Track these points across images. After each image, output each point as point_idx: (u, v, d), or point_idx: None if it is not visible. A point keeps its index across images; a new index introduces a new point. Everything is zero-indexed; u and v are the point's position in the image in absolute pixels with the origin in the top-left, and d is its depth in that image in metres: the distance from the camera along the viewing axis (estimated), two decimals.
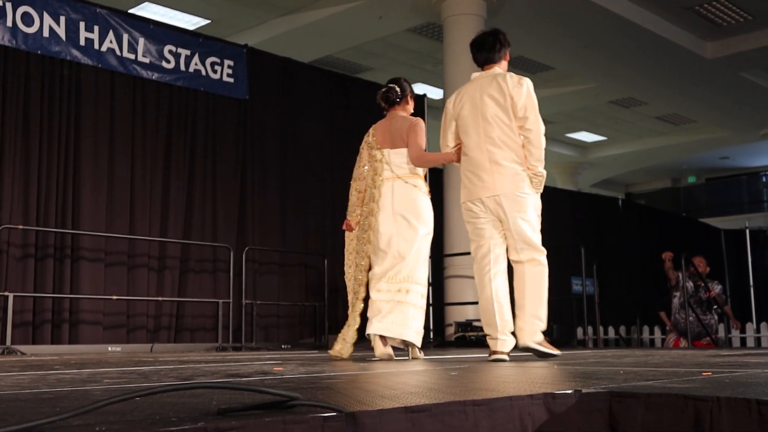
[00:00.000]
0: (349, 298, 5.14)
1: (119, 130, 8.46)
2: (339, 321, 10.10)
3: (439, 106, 13.18)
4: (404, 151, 5.02)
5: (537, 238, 4.57)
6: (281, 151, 9.97)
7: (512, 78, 4.70)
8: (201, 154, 9.14)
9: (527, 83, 4.68)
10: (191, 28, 10.86)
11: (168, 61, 8.89)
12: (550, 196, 9.33)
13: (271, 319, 9.57)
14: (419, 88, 14.01)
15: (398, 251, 4.85)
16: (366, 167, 5.20)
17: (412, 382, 2.54)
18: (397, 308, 4.74)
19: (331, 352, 5.10)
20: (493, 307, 4.52)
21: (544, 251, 4.57)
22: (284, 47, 11.24)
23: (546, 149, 4.59)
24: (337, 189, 10.54)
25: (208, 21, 11.77)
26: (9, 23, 7.67)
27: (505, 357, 4.46)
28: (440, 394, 1.91)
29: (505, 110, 4.60)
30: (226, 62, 9.43)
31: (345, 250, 5.32)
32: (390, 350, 4.74)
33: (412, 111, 5.30)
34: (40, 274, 7.69)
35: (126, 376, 3.15)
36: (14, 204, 7.57)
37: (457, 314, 10.20)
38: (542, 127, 4.60)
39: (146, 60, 8.69)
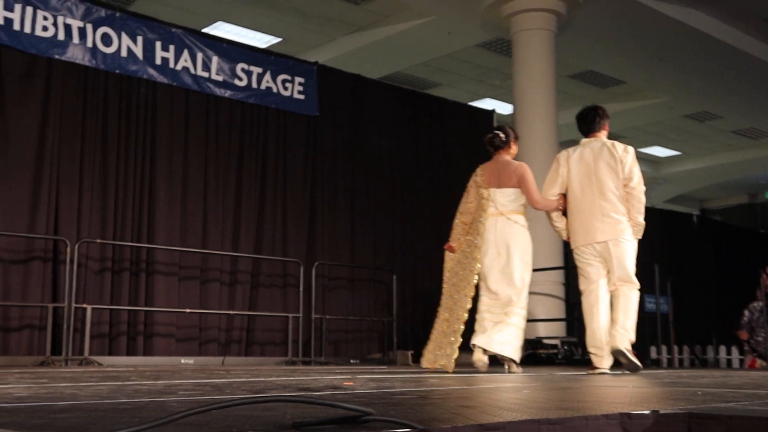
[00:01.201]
0: (444, 315, 5.98)
1: (193, 146, 8.65)
2: (407, 336, 10.09)
3: (507, 121, 13.12)
4: (508, 191, 5.83)
5: (634, 276, 5.55)
6: (350, 167, 10.04)
7: (620, 146, 5.70)
8: (272, 170, 9.27)
9: (632, 150, 5.71)
10: (263, 46, 11.05)
11: (240, 79, 9.06)
12: None
13: (339, 334, 9.61)
14: (487, 104, 13.96)
15: (503, 280, 5.69)
16: (472, 204, 6.02)
17: (484, 399, 2.52)
18: (501, 328, 5.60)
19: (429, 365, 5.88)
20: (601, 333, 5.49)
21: (638, 284, 5.56)
22: (354, 64, 11.34)
23: None
24: (406, 204, 10.56)
25: (280, 39, 11.95)
26: (89, 44, 7.93)
27: (607, 371, 5.40)
28: (514, 413, 1.89)
29: (615, 172, 5.58)
30: (297, 79, 9.56)
31: (444, 267, 6.25)
32: (486, 359, 5.64)
33: (516, 153, 6.11)
34: (116, 287, 7.89)
35: (200, 389, 3.20)
36: (92, 219, 7.79)
37: (527, 332, 10.05)
38: (643, 186, 5.60)
39: (219, 78, 8.88)
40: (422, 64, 13.05)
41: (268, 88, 9.29)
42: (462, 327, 5.73)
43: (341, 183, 9.91)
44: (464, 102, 12.62)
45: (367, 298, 9.96)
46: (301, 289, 8.86)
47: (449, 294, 6.00)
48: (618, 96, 15.05)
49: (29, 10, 7.56)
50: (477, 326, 5.73)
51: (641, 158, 19.80)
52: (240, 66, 9.06)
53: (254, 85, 9.17)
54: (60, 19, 7.76)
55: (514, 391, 3.01)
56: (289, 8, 11.07)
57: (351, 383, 3.64)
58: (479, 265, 5.76)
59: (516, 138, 6.11)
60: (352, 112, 10.15)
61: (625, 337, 5.40)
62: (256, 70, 9.21)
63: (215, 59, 8.85)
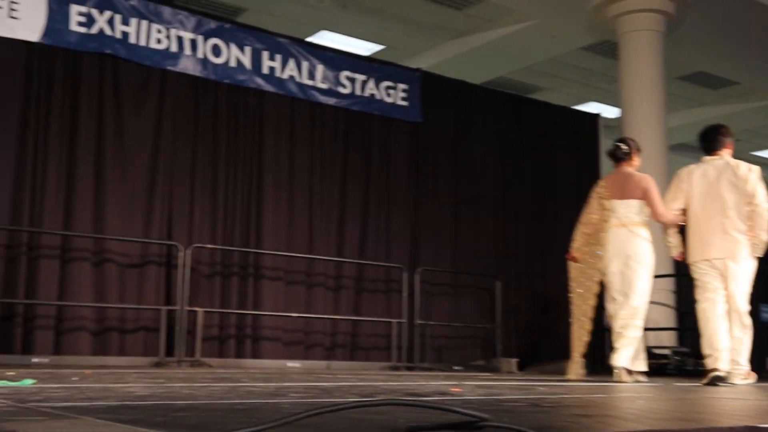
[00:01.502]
0: (575, 325, 6.32)
1: (299, 153, 8.80)
2: (511, 344, 9.97)
3: (613, 125, 12.82)
4: (632, 203, 5.97)
5: (746, 307, 5.62)
6: (454, 173, 10.01)
7: (744, 165, 5.75)
8: (375, 177, 9.34)
9: (756, 169, 5.75)
10: (366, 53, 11.17)
11: (344, 87, 9.17)
12: None
13: (442, 340, 9.58)
14: (592, 107, 13.68)
15: (625, 291, 5.91)
16: (594, 215, 6.20)
17: (598, 408, 2.46)
18: (631, 342, 5.86)
19: (572, 376, 6.22)
20: (718, 335, 5.49)
21: (749, 322, 5.62)
22: (457, 70, 11.31)
23: None
24: (509, 210, 10.45)
25: (383, 46, 12.05)
26: (200, 55, 8.19)
27: (721, 373, 5.32)
28: (632, 422, 1.83)
29: (737, 190, 5.61)
30: (400, 86, 9.61)
31: (568, 276, 6.46)
32: (637, 377, 5.87)
33: (639, 165, 6.22)
34: (226, 290, 8.10)
35: (310, 391, 3.25)
36: (204, 224, 8.03)
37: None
38: (767, 204, 5.62)
39: (324, 86, 9.01)
40: (525, 68, 12.91)
41: (372, 95, 9.37)
42: (588, 338, 6.21)
43: (444, 189, 9.89)
44: (569, 106, 12.40)
45: (471, 305, 9.89)
46: (405, 294, 8.89)
47: (577, 304, 6.30)
48: (730, 97, 14.50)
49: (144, 23, 7.87)
50: (617, 343, 5.98)
51: (756, 161, 19.03)
52: (344, 74, 9.18)
53: (358, 92, 9.27)
54: (173, 32, 8.04)
55: (628, 401, 2.92)
56: (392, 16, 11.15)
57: (458, 389, 3.62)
58: (603, 276, 6.06)
59: (638, 150, 6.23)
60: (455, 117, 10.13)
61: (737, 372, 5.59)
62: (360, 77, 9.31)
63: (320, 67, 9.00)
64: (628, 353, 5.84)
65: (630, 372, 5.85)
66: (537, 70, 13.06)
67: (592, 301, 6.13)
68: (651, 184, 5.98)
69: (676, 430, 1.63)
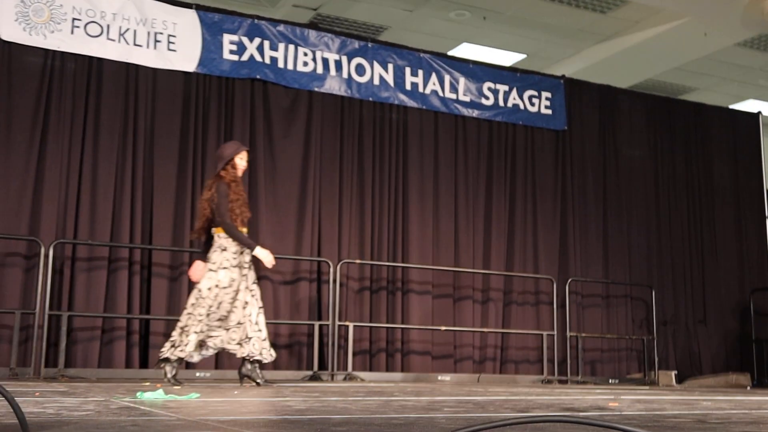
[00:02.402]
0: None
1: (443, 167, 8.83)
2: (668, 356, 9.57)
3: None
4: None
5: None
6: (602, 180, 9.75)
7: None
8: (521, 187, 9.24)
9: None
10: (508, 63, 11.07)
11: (487, 98, 9.13)
12: None
13: (595, 353, 9.32)
14: (751, 105, 12.98)
15: None
16: None
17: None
18: None
19: None
20: None
21: None
22: (602, 74, 11.01)
23: None
24: (662, 217, 10.07)
25: (524, 55, 11.91)
26: (345, 75, 8.39)
27: None
28: None
29: None
30: (544, 94, 9.47)
31: None
32: None
33: None
34: (374, 305, 8.22)
35: (463, 405, 3.23)
36: (351, 240, 8.19)
37: None
38: None
39: (467, 99, 9.01)
40: (676, 69, 12.39)
41: (515, 105, 9.28)
42: None
43: (592, 197, 9.65)
44: (725, 105, 11.82)
45: (624, 316, 9.58)
46: (555, 306, 8.72)
47: None
48: None
49: (291, 48, 8.14)
50: None
51: None
52: (486, 85, 9.15)
53: (501, 103, 9.21)
54: (318, 54, 8.28)
55: None
56: (533, 24, 11.00)
57: (616, 404, 3.51)
58: None
59: None
60: (602, 123, 9.88)
61: None
62: (503, 88, 9.24)
63: (462, 80, 9.00)
64: None
65: None
66: (689, 70, 12.51)
67: None
68: None
69: None
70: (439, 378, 8.00)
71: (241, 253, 5.47)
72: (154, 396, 3.32)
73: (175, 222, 7.48)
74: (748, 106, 13.09)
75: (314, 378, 7.13)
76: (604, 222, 9.66)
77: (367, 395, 4.04)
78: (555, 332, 8.60)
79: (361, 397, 3.78)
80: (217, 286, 5.38)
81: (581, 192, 9.59)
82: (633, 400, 4.00)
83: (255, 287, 5.51)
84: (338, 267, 7.74)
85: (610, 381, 8.66)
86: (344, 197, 8.24)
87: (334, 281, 7.65)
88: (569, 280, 8.94)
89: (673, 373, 8.97)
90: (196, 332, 5.35)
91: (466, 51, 11.40)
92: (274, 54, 8.05)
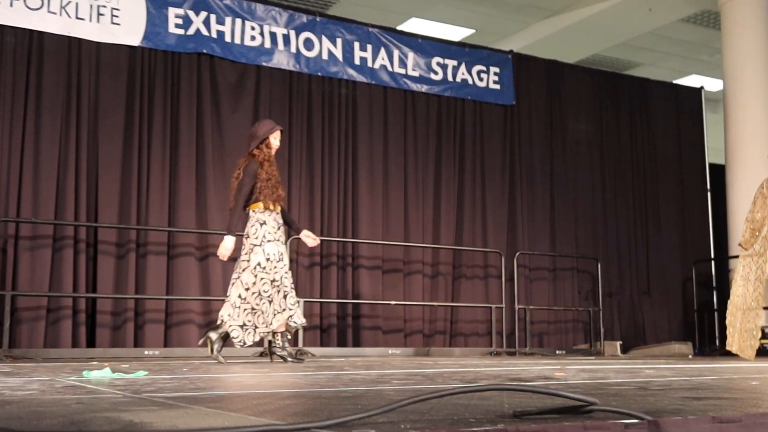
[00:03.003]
0: (744, 308, 6.53)
1: (392, 142, 8.84)
2: (614, 326, 9.77)
3: (717, 98, 12.34)
4: None
5: None
6: (549, 154, 9.86)
7: None
8: (470, 162, 9.29)
9: None
10: (457, 38, 11.08)
11: (436, 73, 9.15)
12: None
13: (543, 325, 9.47)
14: (694, 80, 13.22)
15: None
16: (758, 213, 6.50)
17: (709, 390, 2.38)
18: None
19: (738, 351, 6.54)
20: None
21: None
22: (549, 49, 11.10)
23: None
24: (608, 190, 10.24)
25: (473, 30, 11.93)
26: (293, 49, 8.31)
27: None
28: (750, 405, 1.77)
29: None
30: (492, 69, 9.51)
31: (735, 272, 6.89)
32: None
33: None
34: (325, 281, 8.22)
35: (412, 378, 3.27)
36: (301, 216, 8.16)
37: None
38: None
39: (416, 74, 9.01)
40: (621, 44, 12.55)
41: (464, 80, 9.32)
42: (761, 322, 6.54)
43: (540, 171, 9.76)
44: (669, 80, 12.02)
45: (571, 288, 9.75)
46: (503, 279, 8.82)
47: (746, 289, 6.57)
48: None
49: (238, 21, 8.04)
50: None
51: None
52: (435, 60, 9.15)
53: (450, 78, 9.23)
54: (266, 28, 8.18)
55: (741, 382, 2.83)
56: None
57: (562, 374, 3.58)
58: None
59: None
60: (549, 98, 9.97)
61: None
62: (451, 63, 9.26)
63: (411, 55, 9.00)
64: None
65: None
66: (634, 45, 12.68)
67: (761, 290, 6.46)
68: None
69: None
70: (390, 352, 8.06)
71: (279, 228, 5.48)
72: (100, 375, 3.28)
73: (122, 199, 7.37)
74: (691, 81, 13.33)
75: (265, 354, 7.11)
76: (551, 196, 9.78)
77: (317, 370, 4.06)
78: (503, 305, 8.71)
79: (311, 372, 3.79)
80: (268, 259, 5.33)
81: (529, 166, 9.69)
82: (578, 370, 4.09)
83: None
84: (288, 243, 7.70)
85: (557, 352, 8.82)
86: (293, 173, 8.20)
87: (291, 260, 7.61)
88: (517, 254, 9.05)
89: (618, 343, 9.16)
90: (274, 309, 5.29)
91: (415, 26, 11.38)
92: (220, 28, 7.94)
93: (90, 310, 7.13)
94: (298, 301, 5.51)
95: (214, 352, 5.27)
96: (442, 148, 9.16)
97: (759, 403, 1.82)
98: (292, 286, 5.48)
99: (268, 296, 5.30)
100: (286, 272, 5.42)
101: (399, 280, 8.66)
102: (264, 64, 8.15)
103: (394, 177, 8.77)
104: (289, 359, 5.45)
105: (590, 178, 10.13)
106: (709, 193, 11.01)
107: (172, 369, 4.11)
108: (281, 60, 8.24)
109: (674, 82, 12.31)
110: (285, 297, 5.38)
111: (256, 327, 5.31)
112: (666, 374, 3.59)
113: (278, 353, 5.49)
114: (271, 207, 5.47)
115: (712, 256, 10.81)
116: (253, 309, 5.32)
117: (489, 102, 9.49)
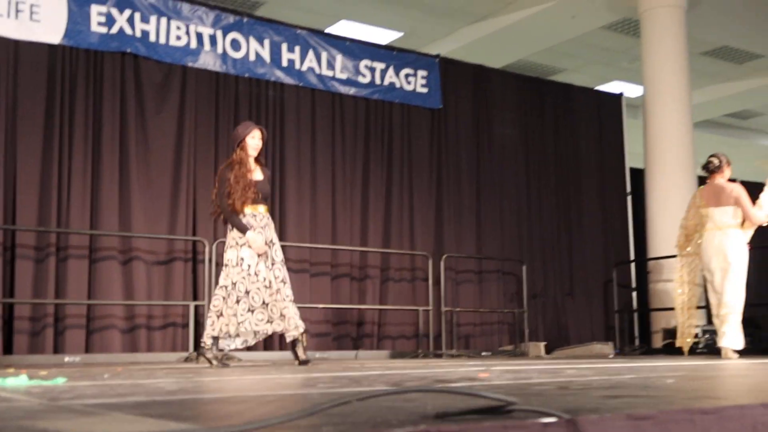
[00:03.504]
0: (687, 305, 7.39)
1: (320, 145, 8.81)
2: (539, 328, 9.95)
3: (637, 104, 12.68)
4: (727, 209, 6.97)
5: None
6: (475, 158, 9.98)
7: None
8: (398, 165, 9.34)
9: None
10: (385, 41, 11.14)
11: (364, 76, 9.16)
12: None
13: (469, 327, 9.58)
14: (615, 86, 13.57)
15: (722, 285, 6.91)
16: (691, 221, 7.28)
17: (627, 389, 2.45)
18: (726, 326, 6.87)
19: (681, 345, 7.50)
20: None
21: None
22: (476, 54, 11.26)
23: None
24: (533, 193, 10.41)
25: (401, 33, 12.01)
26: (219, 50, 8.22)
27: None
28: (664, 402, 1.82)
29: None
30: (420, 73, 9.58)
31: (676, 271, 7.69)
32: (734, 355, 6.83)
33: (729, 176, 7.18)
34: None
35: (338, 381, 3.26)
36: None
37: (663, 321, 9.73)
38: None
39: (343, 76, 9.01)
40: (546, 50, 12.81)
41: (392, 84, 9.36)
42: (695, 320, 7.49)
43: (466, 175, 9.87)
44: (591, 86, 12.30)
45: (497, 290, 9.88)
46: (430, 282, 8.89)
47: (683, 289, 7.41)
48: (756, 71, 14.28)
49: (163, 21, 7.90)
50: (718, 330, 7.02)
51: None
52: (363, 63, 9.17)
53: (378, 81, 9.26)
54: (192, 28, 8.07)
55: (658, 381, 2.91)
56: (410, 2, 11.10)
57: (486, 375, 3.62)
58: (702, 272, 7.18)
59: (728, 163, 7.16)
60: (476, 102, 10.09)
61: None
62: (379, 66, 9.29)
63: (339, 58, 8.99)
64: (732, 335, 6.83)
65: (736, 351, 6.83)
66: (558, 51, 12.96)
67: (698, 291, 7.31)
68: (742, 192, 6.94)
69: (709, 408, 1.62)
70: (318, 355, 8.02)
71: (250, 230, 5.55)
72: (16, 382, 3.18)
73: (41, 201, 7.16)
74: (613, 87, 13.69)
75: (190, 359, 7.01)
76: (477, 199, 9.90)
77: (243, 374, 4.01)
78: (431, 308, 8.78)
79: (237, 376, 3.75)
80: (226, 265, 5.56)
81: (456, 170, 9.79)
82: (503, 371, 4.14)
83: (278, 266, 5.56)
84: (214, 246, 7.62)
85: (483, 354, 8.93)
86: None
87: (210, 261, 7.53)
88: (444, 257, 9.13)
89: (543, 344, 9.33)
90: (229, 313, 5.47)
91: (343, 28, 11.40)
92: (145, 27, 7.79)
93: (7, 316, 6.92)
94: (252, 310, 5.48)
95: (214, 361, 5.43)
96: (370, 151, 9.19)
97: (673, 400, 1.88)
98: (251, 292, 5.47)
99: (232, 299, 5.43)
100: (244, 277, 5.45)
101: (326, 284, 8.64)
102: (190, 64, 8.04)
103: (321, 180, 8.75)
104: (214, 362, 5.41)
105: (515, 182, 10.29)
106: (629, 197, 11.30)
107: (92, 375, 4.02)
108: (207, 61, 8.14)
109: (596, 88, 12.62)
110: (237, 302, 5.43)
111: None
112: (587, 374, 3.67)
113: (206, 356, 5.45)
114: (242, 209, 5.55)
115: (632, 258, 11.09)
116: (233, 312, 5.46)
117: (417, 105, 9.55)
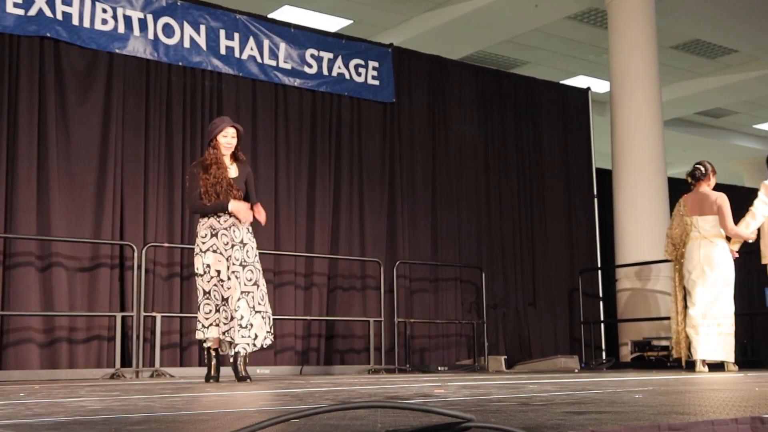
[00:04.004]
0: (674, 325, 7.78)
1: (262, 140, 8.76)
2: (499, 340, 10.02)
3: (604, 100, 12.87)
4: (710, 218, 7.43)
5: None
6: (431, 157, 10.02)
7: None
8: (347, 163, 9.33)
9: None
10: (333, 29, 11.12)
11: (310, 66, 9.14)
12: (736, 195, 8.92)
13: (424, 340, 9.61)
14: (581, 81, 13.75)
15: (705, 294, 7.35)
16: (676, 230, 7.71)
17: (592, 404, 2.48)
18: (710, 338, 7.29)
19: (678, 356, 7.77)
20: None
21: None
22: (432, 44, 11.30)
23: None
24: (493, 195, 10.48)
25: (351, 21, 12.01)
26: (150, 36, 8.12)
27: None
28: (631, 418, 1.85)
29: None
30: (371, 64, 9.59)
31: (670, 279, 8.27)
32: (705, 368, 7.27)
33: (714, 184, 7.68)
34: (186, 293, 8.04)
35: (280, 399, 3.25)
36: (159, 221, 7.98)
37: (632, 332, 9.88)
38: None
39: (288, 66, 8.97)
40: (507, 41, 12.92)
41: (340, 75, 9.35)
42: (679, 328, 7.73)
43: (421, 174, 9.90)
44: (556, 81, 12.45)
45: (453, 300, 9.93)
46: (382, 291, 8.90)
47: (681, 297, 7.75)
48: (729, 67, 14.60)
49: (87, 3, 7.78)
50: (694, 340, 7.40)
51: (756, 135, 19.29)
52: (309, 52, 9.15)
53: (325, 72, 9.25)
54: (119, 11, 7.97)
55: (625, 396, 2.95)
56: None
57: (442, 390, 3.64)
58: (686, 280, 7.57)
59: (714, 172, 7.64)
60: (431, 96, 10.14)
61: None
62: (327, 55, 9.28)
63: (283, 46, 8.96)
64: (710, 347, 7.27)
65: (704, 361, 7.28)
66: (520, 42, 13.08)
67: (683, 294, 7.67)
68: (724, 202, 7.41)
69: (678, 424, 1.65)
70: (258, 371, 7.97)
71: (214, 234, 5.61)
72: None
73: None
74: (579, 81, 13.87)
75: (116, 376, 6.92)
76: (432, 201, 9.94)
77: (174, 392, 3.97)
78: (382, 318, 8.78)
79: (168, 394, 3.71)
80: (197, 272, 5.70)
81: (410, 169, 9.82)
82: (459, 386, 4.17)
83: (241, 269, 5.57)
84: (144, 251, 7.53)
85: (440, 368, 8.97)
86: (150, 173, 8.00)
87: (139, 267, 7.43)
88: (397, 263, 9.15)
89: (503, 358, 9.42)
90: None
91: (287, 14, 11.35)
92: (67, 9, 7.66)
93: None
94: (216, 321, 5.60)
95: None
96: (316, 148, 9.16)
97: (640, 416, 1.91)
98: (226, 298, 5.58)
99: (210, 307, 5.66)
100: (215, 285, 5.63)
101: (269, 292, 8.57)
102: (117, 51, 7.93)
103: (263, 178, 8.70)
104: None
105: (474, 183, 10.35)
106: (596, 200, 11.45)
107: (6, 394, 3.93)
108: (137, 47, 8.04)
109: (561, 82, 12.76)
110: (217, 310, 5.64)
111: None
112: (549, 389, 3.71)
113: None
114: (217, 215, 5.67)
115: (599, 265, 11.24)
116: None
117: (367, 99, 9.56)
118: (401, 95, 9.84)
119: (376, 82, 9.61)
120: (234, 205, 5.62)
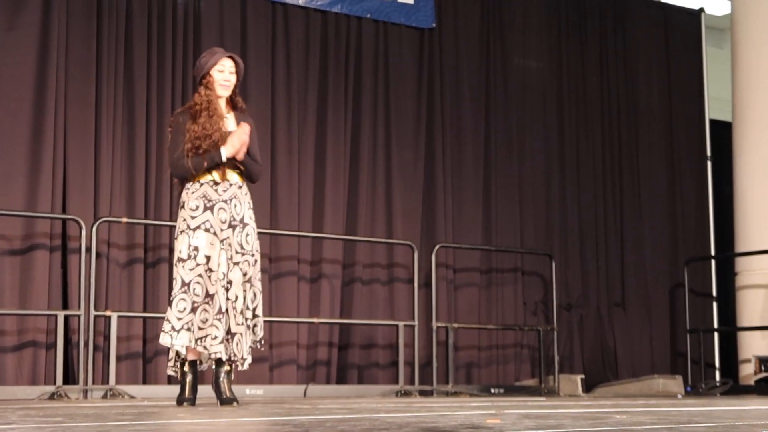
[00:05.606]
0: None
1: (253, 78, 8.71)
2: (573, 353, 9.98)
3: (723, 26, 12.72)
4: None
5: None
6: (483, 102, 9.97)
7: None
8: (368, 110, 9.30)
9: None
10: None
11: None
12: None
13: (472, 351, 9.61)
14: (692, 1, 13.62)
15: None
16: None
17: None
18: None
19: None
20: None
21: None
22: None
23: None
24: (567, 156, 10.41)
25: None
26: None
27: None
28: None
29: None
30: None
31: None
32: None
33: None
34: (151, 286, 8.11)
35: (278, 429, 3.26)
36: (115, 189, 8.00)
37: (757, 345, 9.83)
38: None
39: None
40: None
41: None
42: None
43: (470, 127, 9.86)
44: None
45: (513, 298, 9.91)
46: (416, 285, 8.88)
47: None
48: None
49: None
50: None
51: None
52: None
53: None
54: None
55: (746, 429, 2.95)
56: None
57: (497, 421, 3.65)
58: None
59: None
60: (485, 21, 10.07)
61: None
62: None
63: None
64: None
65: None
66: None
67: None
68: None
69: None
70: (248, 392, 8.02)
71: (209, 207, 5.54)
72: None
73: None
74: (689, 1, 13.72)
75: (58, 396, 6.99)
76: (485, 165, 9.89)
77: (135, 419, 4.01)
78: (416, 322, 8.78)
79: (128, 422, 3.74)
80: (180, 257, 5.56)
81: (455, 119, 9.78)
82: (520, 415, 4.17)
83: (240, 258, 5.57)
84: (94, 228, 7.57)
85: (493, 390, 8.99)
86: (103, 122, 8.03)
87: (88, 250, 7.48)
88: (436, 248, 9.13)
89: (580, 377, 9.40)
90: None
91: None
92: None
93: None
94: (219, 318, 5.51)
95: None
96: (328, 91, 9.15)
97: None
98: (217, 293, 5.53)
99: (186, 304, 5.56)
100: (200, 275, 5.54)
101: (262, 285, 8.62)
102: None
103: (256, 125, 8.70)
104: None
105: (543, 140, 10.29)
106: (709, 163, 11.34)
107: None
108: None
109: (663, 1, 12.63)
110: (194, 310, 5.54)
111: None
112: (644, 421, 3.70)
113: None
114: (206, 177, 5.59)
115: (713, 253, 11.14)
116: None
117: (398, 23, 9.52)
118: (444, 18, 9.79)
119: (410, 1, 9.57)
120: (228, 150, 5.52)
